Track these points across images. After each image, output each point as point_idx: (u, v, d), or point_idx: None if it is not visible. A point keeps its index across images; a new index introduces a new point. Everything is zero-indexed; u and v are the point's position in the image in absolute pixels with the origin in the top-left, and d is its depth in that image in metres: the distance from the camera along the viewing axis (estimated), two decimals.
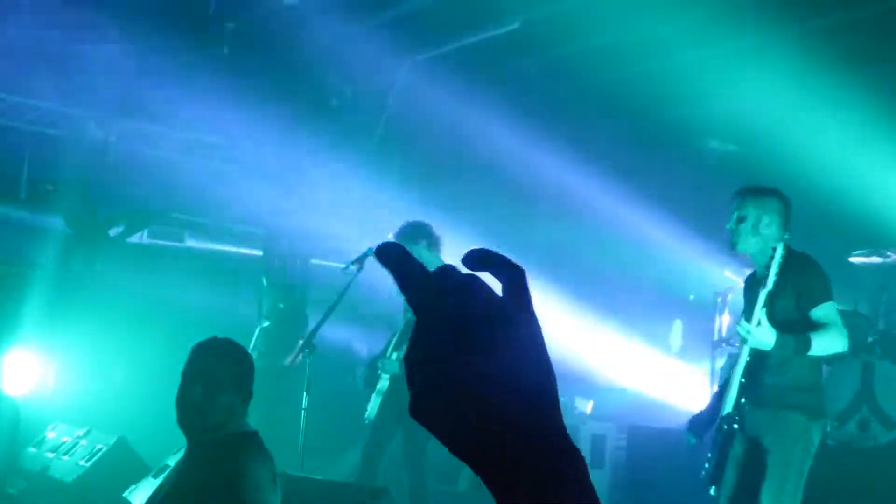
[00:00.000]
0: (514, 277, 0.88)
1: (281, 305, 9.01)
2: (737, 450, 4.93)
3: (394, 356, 7.12)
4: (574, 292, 13.00)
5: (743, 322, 4.73)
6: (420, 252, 7.21)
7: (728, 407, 4.88)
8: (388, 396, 7.09)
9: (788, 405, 4.87)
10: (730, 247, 5.06)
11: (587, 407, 10.26)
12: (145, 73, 9.23)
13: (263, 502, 3.44)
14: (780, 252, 4.64)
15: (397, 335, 7.26)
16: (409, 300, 0.90)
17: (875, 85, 8.20)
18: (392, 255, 0.90)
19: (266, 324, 9.05)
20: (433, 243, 7.27)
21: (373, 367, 7.22)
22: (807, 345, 4.73)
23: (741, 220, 4.97)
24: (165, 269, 10.36)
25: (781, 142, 9.48)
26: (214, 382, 3.58)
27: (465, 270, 0.90)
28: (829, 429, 7.80)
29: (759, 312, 4.65)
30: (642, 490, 8.64)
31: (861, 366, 7.86)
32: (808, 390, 4.95)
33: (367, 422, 7.15)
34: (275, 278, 9.29)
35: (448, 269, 0.89)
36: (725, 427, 4.88)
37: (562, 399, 0.88)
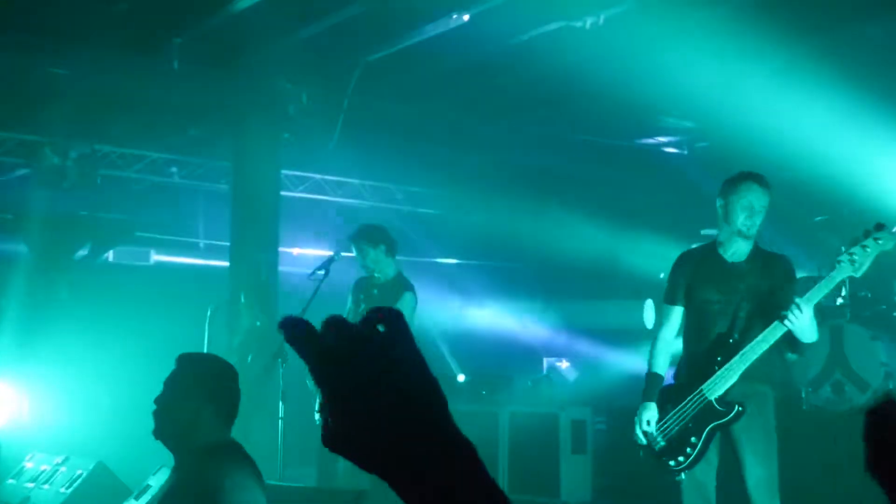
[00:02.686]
0: (392, 318, 1.06)
1: (258, 323, 8.94)
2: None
3: None
4: (543, 279, 13.06)
5: (798, 304, 4.61)
6: (378, 255, 7.26)
7: (721, 389, 4.88)
8: None
9: (757, 377, 4.94)
10: (749, 236, 5.01)
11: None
12: (97, 95, 9.17)
13: None
14: (878, 249, 4.63)
15: None
16: (308, 362, 1.05)
17: (826, 54, 8.27)
18: (296, 329, 1.05)
19: (237, 342, 8.98)
20: (391, 248, 7.33)
21: None
22: (817, 335, 4.87)
23: (758, 212, 4.97)
24: (134, 288, 10.31)
25: (738, 115, 9.54)
26: (180, 387, 3.63)
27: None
28: (803, 394, 7.89)
29: (826, 288, 4.65)
30: (626, 471, 8.67)
31: (830, 330, 7.94)
32: (768, 361, 5.00)
33: (317, 423, 7.22)
34: (251, 296, 9.19)
35: (335, 322, 1.05)
36: (723, 409, 4.89)
37: None
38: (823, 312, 8.25)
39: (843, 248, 4.66)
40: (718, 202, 5.10)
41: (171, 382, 3.66)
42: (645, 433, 5.06)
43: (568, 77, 8.78)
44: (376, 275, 7.32)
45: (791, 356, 4.94)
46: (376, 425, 1.01)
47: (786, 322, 4.66)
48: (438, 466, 1.01)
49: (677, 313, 5.26)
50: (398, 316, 1.06)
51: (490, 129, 10.60)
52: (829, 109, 8.56)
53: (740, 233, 5.00)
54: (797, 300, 4.63)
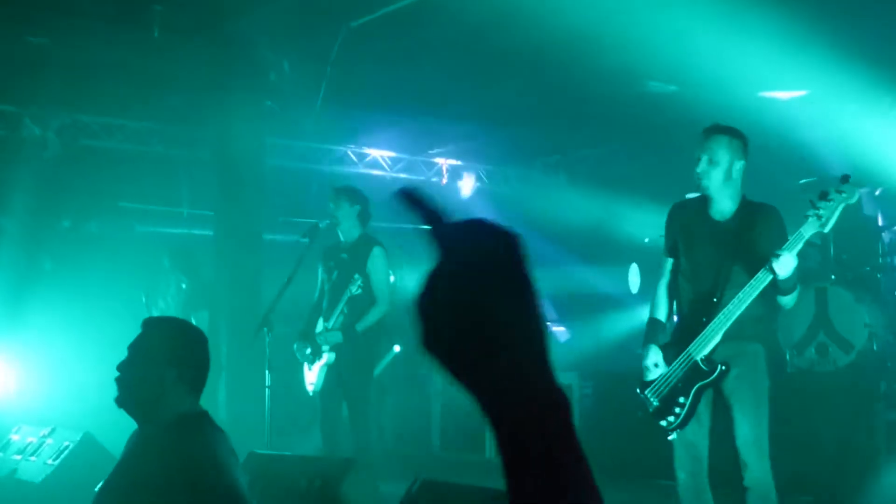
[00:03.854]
0: (510, 242, 1.00)
1: (184, 286, 8.99)
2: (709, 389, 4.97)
3: (331, 324, 7.20)
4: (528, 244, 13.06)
5: (779, 254, 4.59)
6: (351, 214, 7.32)
7: (706, 348, 4.88)
8: (332, 368, 7.19)
9: (746, 336, 4.93)
10: (702, 189, 5.01)
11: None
12: (77, 64, 9.08)
13: (224, 481, 3.32)
14: (842, 202, 4.59)
15: (324, 306, 7.31)
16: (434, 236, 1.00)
17: (813, 17, 8.23)
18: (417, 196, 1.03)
19: (162, 304, 9.08)
20: (364, 215, 7.38)
21: (312, 342, 7.25)
22: (796, 285, 4.82)
23: (714, 163, 4.93)
24: (118, 258, 10.26)
25: (722, 78, 9.51)
26: (142, 352, 3.47)
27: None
28: (788, 357, 7.93)
29: (798, 243, 4.62)
30: (613, 436, 8.72)
31: (815, 293, 7.98)
32: (760, 320, 5.00)
33: (312, 394, 7.24)
34: (177, 258, 9.23)
35: (476, 223, 1.01)
36: (707, 368, 4.88)
37: None
38: (807, 275, 8.30)
39: (810, 202, 4.64)
40: None
41: (134, 347, 3.50)
42: (639, 395, 5.08)
43: (554, 42, 8.74)
44: (342, 238, 7.36)
45: (782, 299, 4.89)
46: (473, 336, 0.96)
47: (774, 268, 4.65)
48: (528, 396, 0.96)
49: (670, 265, 5.26)
50: (518, 241, 1.01)
51: (475, 95, 10.53)
52: (816, 71, 8.54)
53: (705, 191, 5.01)
54: (777, 252, 4.62)
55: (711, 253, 5.01)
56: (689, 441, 5.00)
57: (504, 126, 11.68)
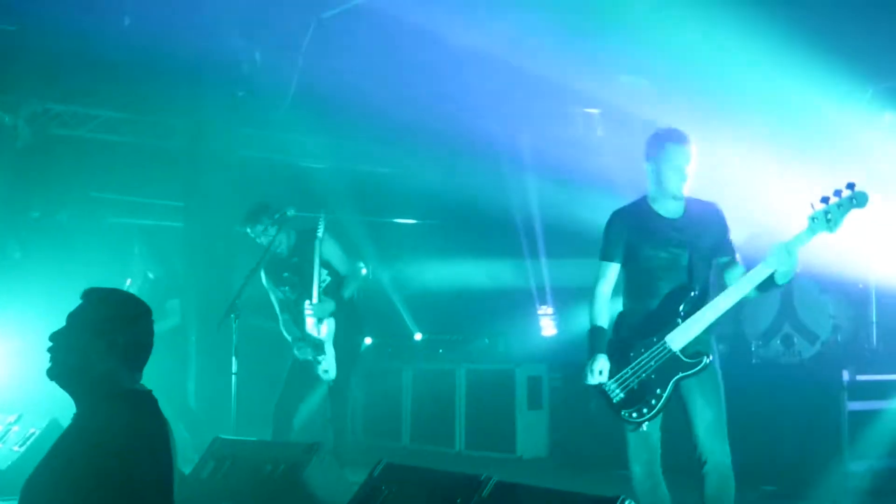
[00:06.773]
0: None
1: (151, 276, 8.99)
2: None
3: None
4: (500, 238, 13.11)
5: (788, 249, 4.73)
6: (268, 230, 7.16)
7: (685, 340, 4.93)
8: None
9: (709, 328, 5.01)
10: (682, 194, 5.08)
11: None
12: (48, 53, 9.05)
13: (127, 471, 3.03)
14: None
15: (302, 307, 7.23)
16: None
17: (786, 14, 8.29)
18: None
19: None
20: (272, 215, 7.19)
21: (306, 340, 7.11)
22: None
23: (689, 169, 5.07)
24: (88, 248, 10.23)
25: (694, 74, 9.56)
26: (73, 321, 3.25)
27: None
28: (753, 348, 8.00)
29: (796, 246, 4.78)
30: (582, 426, 8.77)
31: None
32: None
33: (328, 380, 7.11)
34: (146, 247, 9.23)
35: None
36: (692, 360, 4.94)
37: None
38: None
39: (813, 206, 4.70)
40: (649, 166, 5.14)
41: (70, 317, 3.28)
42: (600, 385, 5.08)
43: (521, 34, 8.77)
44: (283, 248, 7.26)
45: (753, 294, 5.00)
46: None
47: (773, 264, 4.76)
48: None
49: (614, 270, 5.24)
50: None
51: (445, 88, 10.55)
52: (789, 67, 8.60)
53: (674, 196, 5.08)
54: (785, 245, 4.74)
55: (670, 248, 5.06)
56: (645, 433, 5.04)
57: (476, 119, 11.69)
